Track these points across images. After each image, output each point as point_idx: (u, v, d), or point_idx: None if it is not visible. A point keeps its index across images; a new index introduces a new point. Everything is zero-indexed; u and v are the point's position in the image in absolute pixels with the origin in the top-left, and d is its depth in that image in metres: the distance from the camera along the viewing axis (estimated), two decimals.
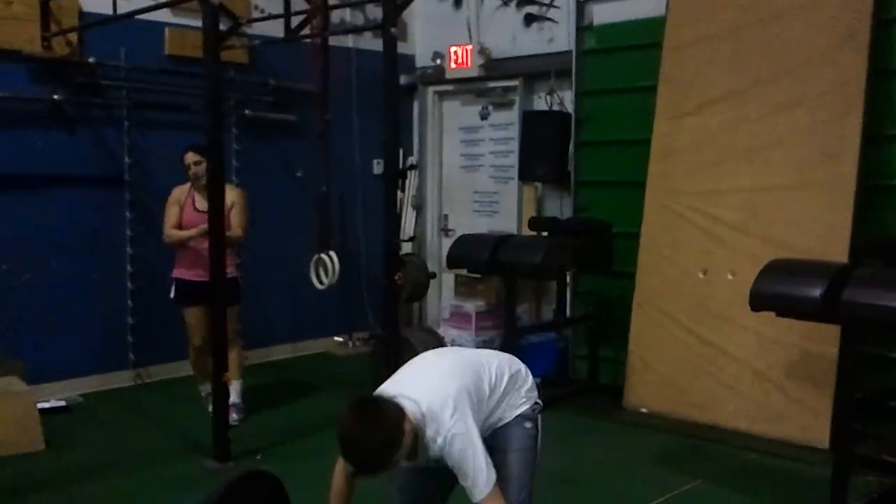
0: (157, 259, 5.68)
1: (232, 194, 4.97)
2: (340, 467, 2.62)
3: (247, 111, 6.44)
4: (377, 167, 6.94)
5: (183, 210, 5.03)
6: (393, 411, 2.36)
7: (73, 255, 5.55)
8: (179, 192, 5.07)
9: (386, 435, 2.32)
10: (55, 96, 5.46)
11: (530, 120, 6.46)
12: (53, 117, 5.48)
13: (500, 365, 2.73)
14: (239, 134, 6.43)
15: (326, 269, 5.83)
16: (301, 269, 5.95)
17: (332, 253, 5.80)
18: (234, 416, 4.92)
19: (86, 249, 5.57)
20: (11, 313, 5.31)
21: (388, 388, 2.55)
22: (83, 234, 5.57)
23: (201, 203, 4.94)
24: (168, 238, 5.03)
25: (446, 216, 7.56)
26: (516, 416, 2.70)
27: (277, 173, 6.68)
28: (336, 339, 7.17)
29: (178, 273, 5.06)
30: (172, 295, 5.07)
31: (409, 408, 2.42)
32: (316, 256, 5.87)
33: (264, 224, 6.48)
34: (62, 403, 5.21)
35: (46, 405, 5.05)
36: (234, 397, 4.98)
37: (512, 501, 2.57)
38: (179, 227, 5.00)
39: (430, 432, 2.43)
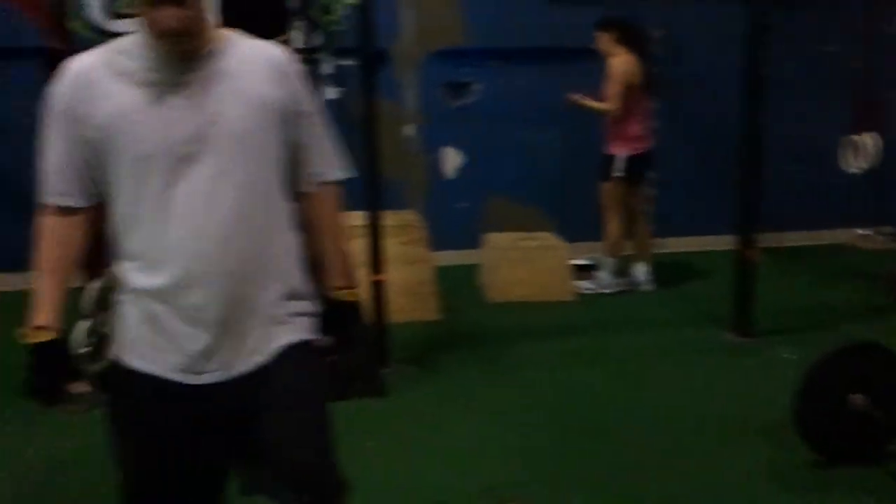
0: (685, 136, 5.75)
1: (612, 65, 4.96)
2: (53, 217, 1.76)
3: None
4: None
5: None
6: None
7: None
8: None
9: None
10: None
11: None
12: None
13: None
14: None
15: (860, 151, 5.36)
16: (827, 153, 5.55)
17: (870, 135, 5.30)
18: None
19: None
20: (546, 176, 5.83)
21: None
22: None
23: None
24: None
25: None
26: None
27: (805, 47, 6.19)
28: (859, 231, 6.63)
29: None
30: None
31: None
32: (849, 138, 5.42)
33: (787, 103, 6.13)
34: (589, 262, 5.64)
35: (576, 262, 5.50)
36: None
37: None
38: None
39: None
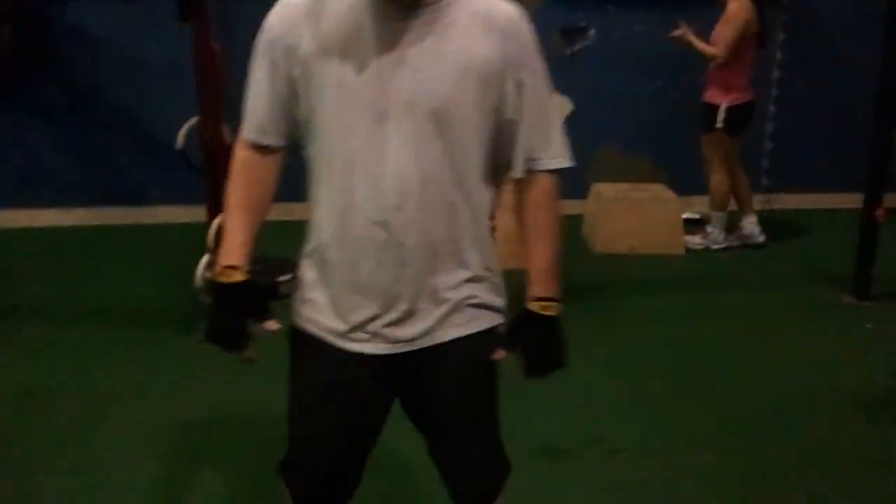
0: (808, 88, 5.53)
1: (729, 10, 4.75)
2: (247, 151, 1.67)
3: None
4: None
5: None
6: None
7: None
8: None
9: None
10: None
11: None
12: None
13: None
14: None
15: None
16: None
17: None
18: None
19: None
20: (660, 126, 5.66)
21: None
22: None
23: None
24: None
25: None
26: None
27: None
28: None
29: None
30: None
31: None
32: None
33: None
34: (697, 216, 5.50)
35: (686, 216, 5.37)
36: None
37: None
38: None
39: None
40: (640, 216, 5.02)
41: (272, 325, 1.63)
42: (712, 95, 4.89)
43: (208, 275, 3.56)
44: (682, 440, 2.99)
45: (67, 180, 5.34)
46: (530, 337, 1.69)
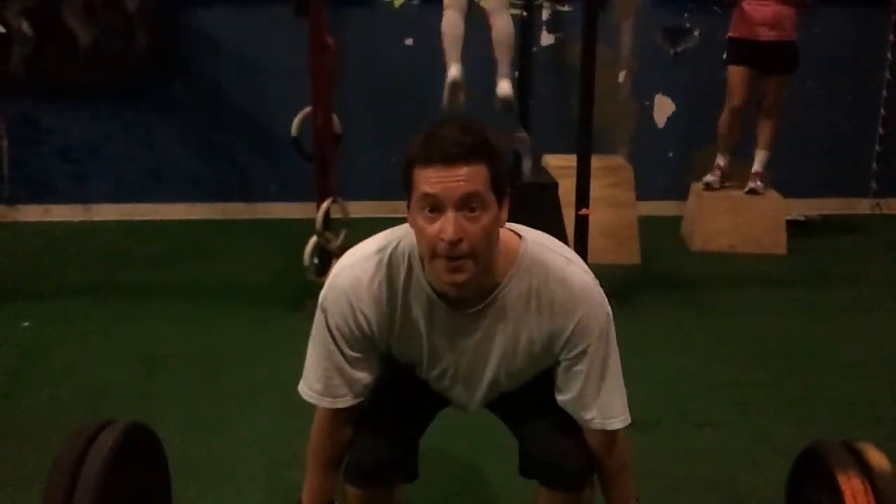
0: None
1: None
2: (325, 413, 1.82)
3: None
4: None
5: None
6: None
7: (828, 75, 5.57)
8: None
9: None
10: None
11: None
12: None
13: None
14: None
15: None
16: None
17: None
18: (757, 183, 5.01)
19: (841, 70, 5.56)
20: None
21: None
22: (841, 55, 5.55)
23: None
24: None
25: None
26: None
27: None
28: None
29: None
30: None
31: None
32: None
33: None
34: (802, 218, 5.41)
35: (789, 218, 5.29)
36: (757, 167, 5.07)
37: None
38: None
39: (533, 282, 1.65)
40: (740, 214, 4.98)
41: None
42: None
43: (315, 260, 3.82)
44: (769, 419, 3.03)
45: (192, 177, 5.66)
46: None
